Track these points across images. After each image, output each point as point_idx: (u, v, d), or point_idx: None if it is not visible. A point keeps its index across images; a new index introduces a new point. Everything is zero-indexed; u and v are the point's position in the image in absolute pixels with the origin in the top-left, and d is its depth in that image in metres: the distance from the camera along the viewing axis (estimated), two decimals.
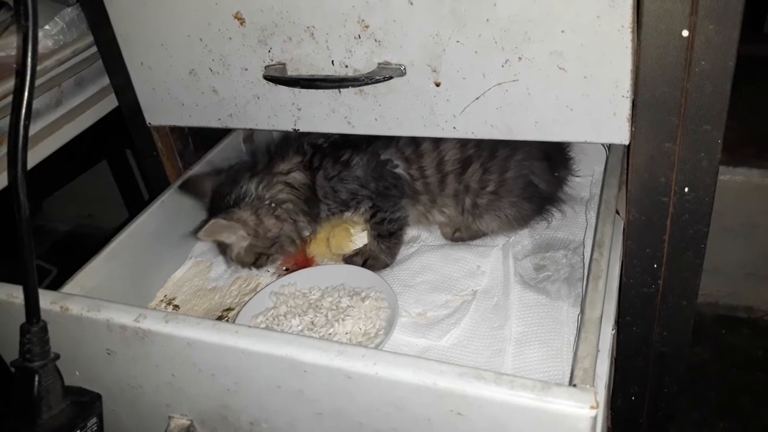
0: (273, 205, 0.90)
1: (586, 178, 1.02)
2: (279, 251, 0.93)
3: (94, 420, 0.66)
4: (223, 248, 0.94)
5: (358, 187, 0.92)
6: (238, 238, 0.90)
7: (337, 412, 0.58)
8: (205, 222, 0.87)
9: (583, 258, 0.88)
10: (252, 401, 0.62)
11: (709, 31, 0.60)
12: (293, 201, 0.92)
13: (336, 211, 0.94)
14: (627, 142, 0.70)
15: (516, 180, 0.93)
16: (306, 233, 0.95)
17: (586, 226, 0.93)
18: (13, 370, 0.63)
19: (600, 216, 0.76)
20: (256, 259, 0.92)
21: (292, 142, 0.95)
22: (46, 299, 0.65)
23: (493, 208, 0.94)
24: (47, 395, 0.62)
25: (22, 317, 0.61)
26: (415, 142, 0.92)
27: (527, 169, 0.93)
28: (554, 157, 0.97)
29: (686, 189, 0.70)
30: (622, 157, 0.87)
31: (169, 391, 0.66)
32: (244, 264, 0.93)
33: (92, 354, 0.68)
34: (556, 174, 0.98)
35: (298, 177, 0.93)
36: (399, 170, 0.93)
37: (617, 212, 0.79)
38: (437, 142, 0.91)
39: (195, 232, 0.88)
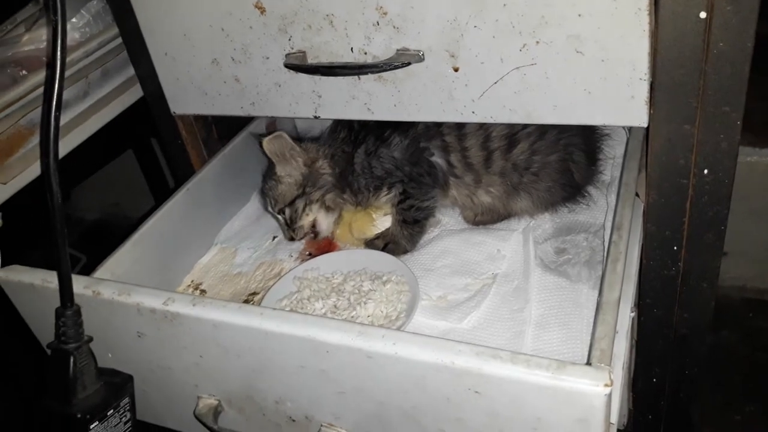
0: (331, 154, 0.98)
1: (607, 161, 1.02)
2: (318, 200, 0.97)
3: (126, 400, 0.68)
4: (270, 186, 1.00)
5: (393, 167, 0.94)
6: (292, 167, 0.97)
7: (359, 390, 0.59)
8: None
9: (604, 241, 0.88)
10: (277, 381, 0.64)
11: (726, 13, 0.60)
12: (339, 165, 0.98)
13: (370, 185, 0.96)
14: (645, 125, 0.70)
15: (558, 164, 0.93)
16: (344, 200, 0.99)
17: (606, 209, 0.93)
18: (49, 351, 0.65)
19: (619, 199, 0.76)
20: (293, 201, 0.97)
21: None
22: (79, 284, 0.68)
23: (529, 190, 0.94)
24: (82, 376, 0.64)
25: (56, 301, 0.64)
26: (459, 125, 0.92)
27: (569, 155, 0.94)
28: (590, 150, 0.97)
29: (705, 171, 0.70)
30: (642, 140, 0.86)
31: (197, 372, 0.69)
32: (280, 202, 0.98)
33: (123, 336, 0.70)
34: (592, 167, 0.98)
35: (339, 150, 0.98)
36: (435, 158, 0.94)
37: (637, 195, 0.79)
38: None
39: (261, 137, 0.96)
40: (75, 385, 0.64)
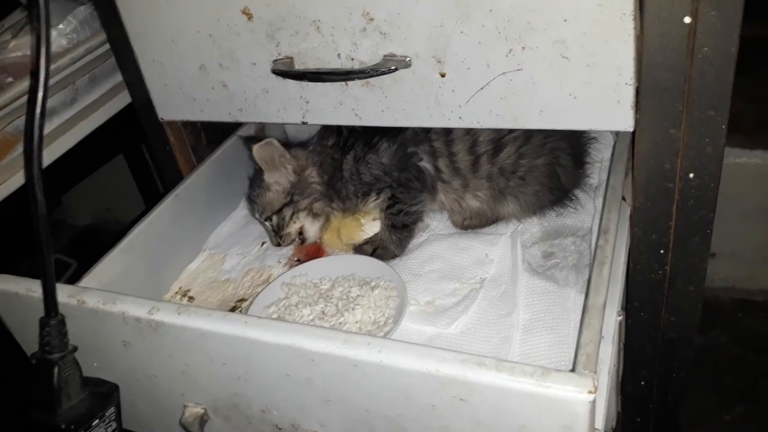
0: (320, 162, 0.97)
1: (594, 165, 1.02)
2: (306, 208, 0.97)
3: (112, 409, 0.67)
4: (258, 194, 0.99)
5: (381, 173, 0.94)
6: (281, 175, 0.96)
7: (345, 399, 0.59)
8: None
9: (591, 245, 0.88)
10: (262, 389, 0.64)
11: (711, 18, 0.60)
12: (328, 172, 0.97)
13: (359, 191, 0.96)
14: (631, 129, 0.70)
15: (545, 168, 0.93)
16: (332, 208, 0.98)
17: (594, 213, 0.93)
18: (33, 362, 0.65)
19: (606, 202, 0.76)
20: (281, 209, 0.96)
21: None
22: (64, 293, 0.67)
23: (515, 194, 0.94)
24: (66, 386, 0.63)
25: (40, 311, 0.63)
26: (447, 130, 0.93)
27: (556, 159, 0.94)
28: (576, 154, 0.98)
29: (691, 175, 0.70)
30: (629, 144, 0.87)
31: (183, 381, 0.68)
32: (267, 210, 0.97)
33: (109, 345, 0.70)
34: (579, 171, 0.98)
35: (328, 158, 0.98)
36: (423, 163, 0.94)
37: (624, 198, 0.79)
38: None
39: (248, 140, 0.97)
40: (59, 395, 0.63)
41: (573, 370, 0.52)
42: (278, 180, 0.97)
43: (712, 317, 1.57)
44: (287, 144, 0.99)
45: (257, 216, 1.01)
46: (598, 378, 0.50)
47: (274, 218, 0.97)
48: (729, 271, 1.59)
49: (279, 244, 0.99)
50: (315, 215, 0.98)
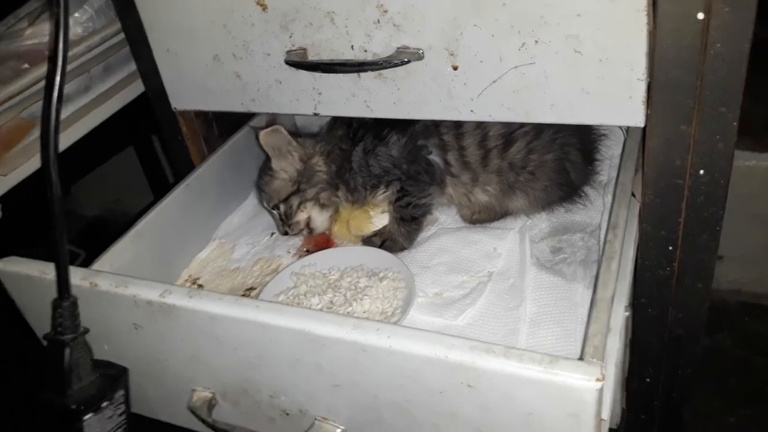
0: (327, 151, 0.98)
1: (604, 162, 1.02)
2: (313, 198, 0.97)
3: (121, 392, 0.68)
4: (265, 181, 1.00)
5: (390, 166, 0.94)
6: (287, 162, 0.97)
7: (354, 384, 0.60)
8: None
9: (600, 241, 0.88)
10: (272, 374, 0.64)
11: (724, 14, 0.60)
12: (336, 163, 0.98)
13: (368, 183, 0.96)
14: (642, 125, 0.70)
15: (554, 163, 0.93)
16: (339, 198, 0.99)
17: (603, 209, 0.93)
18: (45, 342, 0.66)
19: (615, 198, 0.77)
20: (288, 198, 0.97)
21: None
22: (76, 276, 0.68)
23: (525, 189, 0.95)
24: (77, 367, 0.64)
25: (53, 293, 0.64)
26: (457, 124, 0.93)
27: (565, 155, 0.94)
28: (586, 150, 0.98)
29: (701, 172, 0.70)
30: (639, 141, 0.87)
31: (193, 365, 0.69)
32: (275, 198, 0.98)
33: (120, 328, 0.70)
34: (589, 167, 0.98)
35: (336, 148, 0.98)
36: (433, 157, 0.94)
37: (633, 195, 0.79)
38: None
39: (259, 130, 0.96)
40: (70, 377, 0.64)
41: (581, 358, 0.52)
42: (285, 168, 0.97)
43: (718, 320, 1.56)
44: (296, 133, 1.00)
45: (265, 204, 1.01)
46: (606, 367, 0.50)
47: (282, 206, 0.98)
48: (736, 273, 1.58)
49: (286, 233, 1.00)
50: (323, 205, 0.98)
